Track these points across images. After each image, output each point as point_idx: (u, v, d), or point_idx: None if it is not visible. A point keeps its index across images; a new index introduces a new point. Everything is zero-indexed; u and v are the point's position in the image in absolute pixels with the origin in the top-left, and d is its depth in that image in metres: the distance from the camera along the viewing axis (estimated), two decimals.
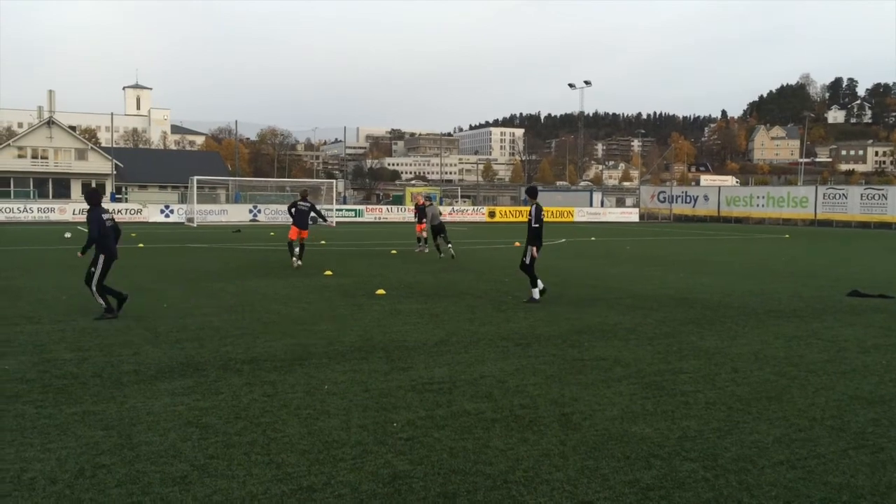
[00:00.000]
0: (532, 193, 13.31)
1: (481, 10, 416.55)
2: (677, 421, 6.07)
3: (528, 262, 12.70)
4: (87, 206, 10.76)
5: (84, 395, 6.60)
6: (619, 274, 18.04)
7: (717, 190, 69.92)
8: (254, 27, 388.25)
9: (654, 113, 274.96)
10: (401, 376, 7.46)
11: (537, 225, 12.60)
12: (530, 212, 12.74)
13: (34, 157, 69.75)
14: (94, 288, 10.51)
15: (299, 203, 18.90)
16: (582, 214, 63.52)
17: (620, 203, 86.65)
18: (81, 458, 5.04)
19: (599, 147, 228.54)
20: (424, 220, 23.86)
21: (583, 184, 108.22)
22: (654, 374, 7.66)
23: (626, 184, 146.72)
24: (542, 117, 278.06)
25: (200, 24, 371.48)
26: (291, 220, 18.91)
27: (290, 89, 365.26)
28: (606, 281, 16.34)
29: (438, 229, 22.33)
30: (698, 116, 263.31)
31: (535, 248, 12.61)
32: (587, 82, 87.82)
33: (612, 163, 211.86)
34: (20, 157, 69.29)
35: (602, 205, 74.09)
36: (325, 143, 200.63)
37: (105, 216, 10.69)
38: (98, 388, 6.85)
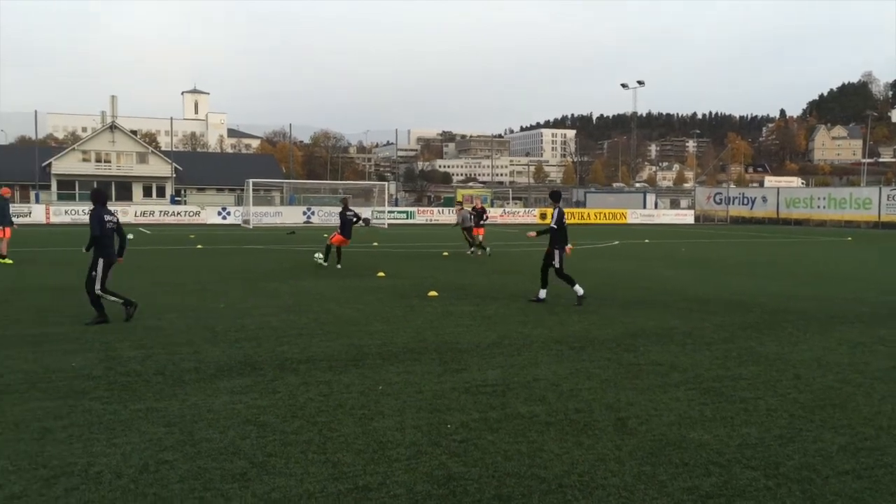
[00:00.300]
0: (555, 198, 13.60)
1: (531, 11, 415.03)
2: (737, 428, 5.94)
3: (558, 265, 12.87)
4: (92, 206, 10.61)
5: (147, 392, 6.79)
6: (675, 276, 17.76)
7: (776, 191, 68.28)
8: (306, 31, 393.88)
9: (710, 112, 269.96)
10: (454, 378, 7.47)
11: (555, 227, 12.80)
12: (553, 215, 12.97)
13: (97, 160, 72.03)
14: (98, 292, 10.35)
15: (347, 213, 19.26)
16: (635, 216, 62.74)
17: (675, 205, 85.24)
18: (145, 453, 5.18)
19: (653, 148, 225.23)
20: (480, 222, 24.15)
21: (638, 185, 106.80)
22: (712, 380, 7.52)
23: (684, 185, 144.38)
24: (594, 118, 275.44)
25: (256, 28, 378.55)
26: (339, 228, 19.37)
27: (343, 92, 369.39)
28: (661, 284, 16.10)
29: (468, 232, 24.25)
30: (755, 116, 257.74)
31: (558, 251, 12.84)
32: (640, 82, 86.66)
33: (666, 164, 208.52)
34: (84, 160, 71.63)
35: (656, 206, 73.02)
36: (376, 146, 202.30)
37: (107, 217, 10.54)
38: (160, 385, 7.03)
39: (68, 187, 69.36)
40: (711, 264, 21.56)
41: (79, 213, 48.88)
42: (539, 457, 5.22)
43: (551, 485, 4.73)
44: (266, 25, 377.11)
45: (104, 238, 10.43)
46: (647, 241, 34.74)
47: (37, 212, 47.80)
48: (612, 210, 63.41)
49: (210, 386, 7.02)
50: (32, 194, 63.60)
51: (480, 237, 24.27)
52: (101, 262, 10.43)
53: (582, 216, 61.58)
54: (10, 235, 19.53)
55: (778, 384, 7.37)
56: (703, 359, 8.52)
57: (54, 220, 47.23)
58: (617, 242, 32.70)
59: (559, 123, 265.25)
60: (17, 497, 4.41)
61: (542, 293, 13.16)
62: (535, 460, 5.15)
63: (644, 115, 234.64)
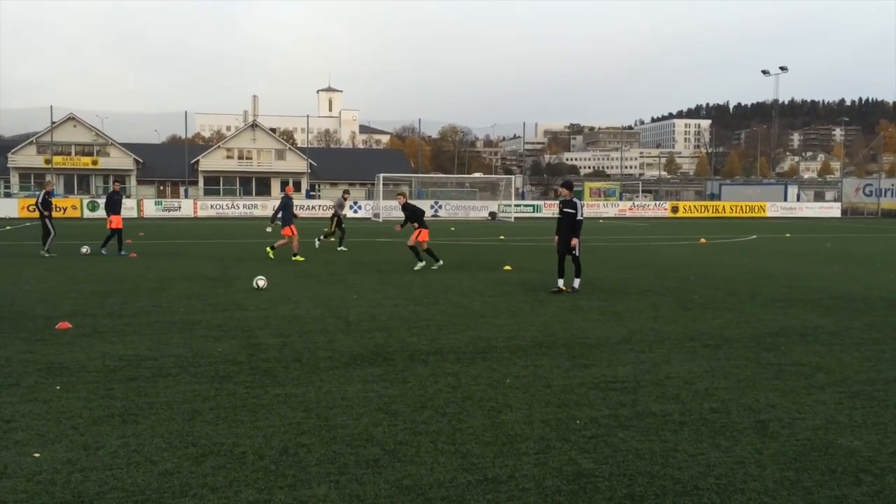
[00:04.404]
0: (569, 186, 14.01)
1: None
2: (891, 435, 5.53)
3: (576, 253, 13.32)
4: None
5: (286, 378, 7.11)
6: (819, 273, 16.74)
7: None
8: (434, 27, 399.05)
9: (859, 99, 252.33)
10: (583, 373, 7.37)
11: (581, 218, 13.40)
12: (579, 207, 13.59)
13: (240, 157, 76.03)
14: None
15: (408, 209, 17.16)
16: (775, 209, 59.60)
17: (819, 197, 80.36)
18: (285, 436, 5.43)
19: (795, 137, 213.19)
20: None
21: (778, 176, 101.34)
22: (862, 383, 7.04)
23: (830, 176, 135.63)
24: (731, 107, 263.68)
25: (388, 26, 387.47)
26: None
27: (470, 86, 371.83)
28: (804, 280, 15.22)
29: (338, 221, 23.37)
30: None
31: (556, 238, 13.45)
32: (783, 68, 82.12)
33: (809, 154, 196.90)
34: (228, 157, 75.78)
35: (798, 199, 68.99)
36: (503, 140, 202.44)
37: None
38: (298, 372, 7.35)
39: (213, 183, 73.69)
40: (860, 260, 20.16)
41: (223, 207, 51.84)
42: (673, 457, 5.07)
43: (686, 486, 4.57)
44: (394, 22, 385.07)
45: None
46: (787, 235, 32.93)
47: (186, 206, 51.02)
48: (749, 203, 60.49)
49: (344, 374, 7.27)
50: (182, 190, 68.02)
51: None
52: None
53: (717, 209, 59.10)
54: (297, 234, 18.80)
55: None
56: (852, 360, 7.99)
57: (201, 213, 50.29)
58: (755, 237, 31.18)
59: (693, 113, 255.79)
60: (170, 473, 4.73)
61: (561, 283, 13.38)
62: (668, 460, 5.01)
63: (786, 102, 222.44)
